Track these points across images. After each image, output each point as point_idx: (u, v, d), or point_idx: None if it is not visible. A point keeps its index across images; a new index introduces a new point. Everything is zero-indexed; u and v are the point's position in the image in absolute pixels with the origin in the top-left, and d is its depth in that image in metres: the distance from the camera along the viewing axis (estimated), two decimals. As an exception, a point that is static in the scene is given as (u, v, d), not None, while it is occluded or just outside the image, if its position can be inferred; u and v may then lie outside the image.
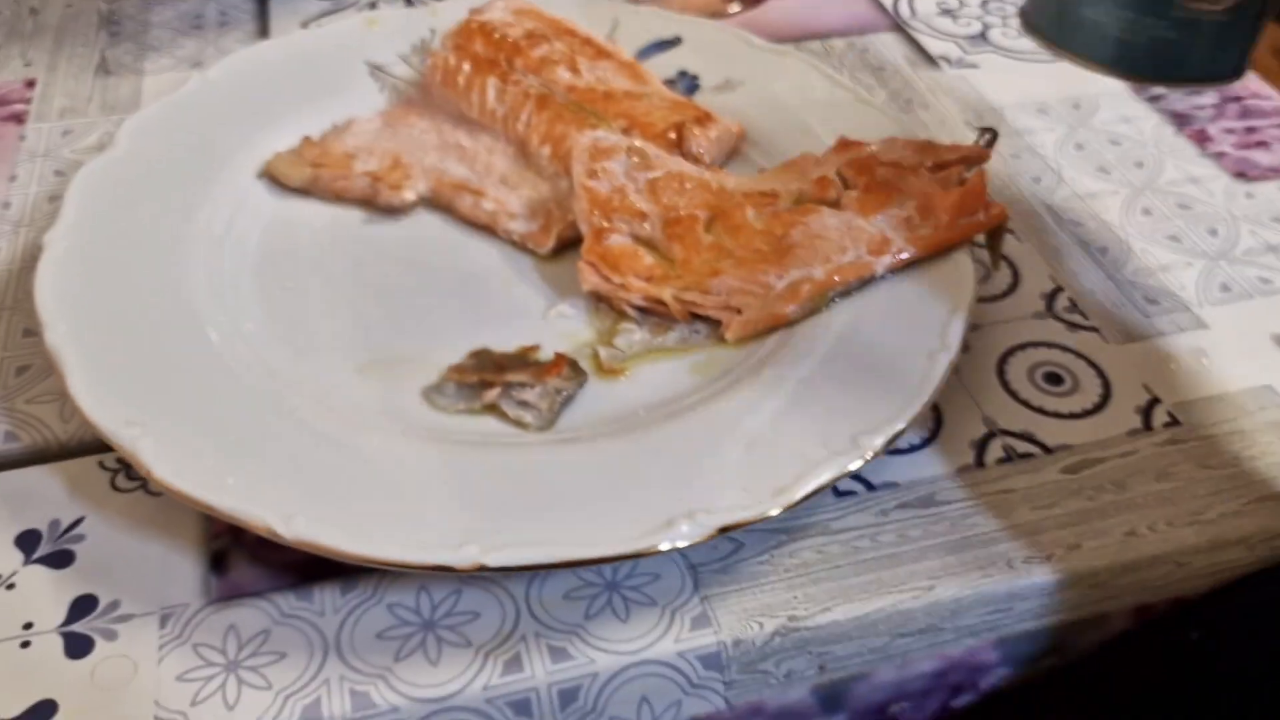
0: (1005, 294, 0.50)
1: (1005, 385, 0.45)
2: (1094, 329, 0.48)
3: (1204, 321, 0.49)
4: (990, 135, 0.53)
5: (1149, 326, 0.48)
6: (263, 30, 0.66)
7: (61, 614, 0.36)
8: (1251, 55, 0.48)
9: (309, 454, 0.37)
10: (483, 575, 0.36)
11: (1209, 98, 0.63)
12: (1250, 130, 0.61)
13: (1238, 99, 0.63)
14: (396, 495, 0.36)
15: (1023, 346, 0.47)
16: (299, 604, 0.36)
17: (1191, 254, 0.52)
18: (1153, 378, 0.46)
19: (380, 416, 0.40)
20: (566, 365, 0.42)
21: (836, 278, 0.44)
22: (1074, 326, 0.48)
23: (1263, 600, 0.38)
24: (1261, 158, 0.59)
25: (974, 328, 0.48)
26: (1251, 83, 0.64)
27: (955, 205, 0.46)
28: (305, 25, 0.66)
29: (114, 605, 0.36)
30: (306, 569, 0.37)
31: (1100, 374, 0.46)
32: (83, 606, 0.36)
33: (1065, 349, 0.47)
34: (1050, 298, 0.50)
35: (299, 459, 0.37)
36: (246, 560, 0.38)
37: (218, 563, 0.37)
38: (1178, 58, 0.47)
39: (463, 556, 0.34)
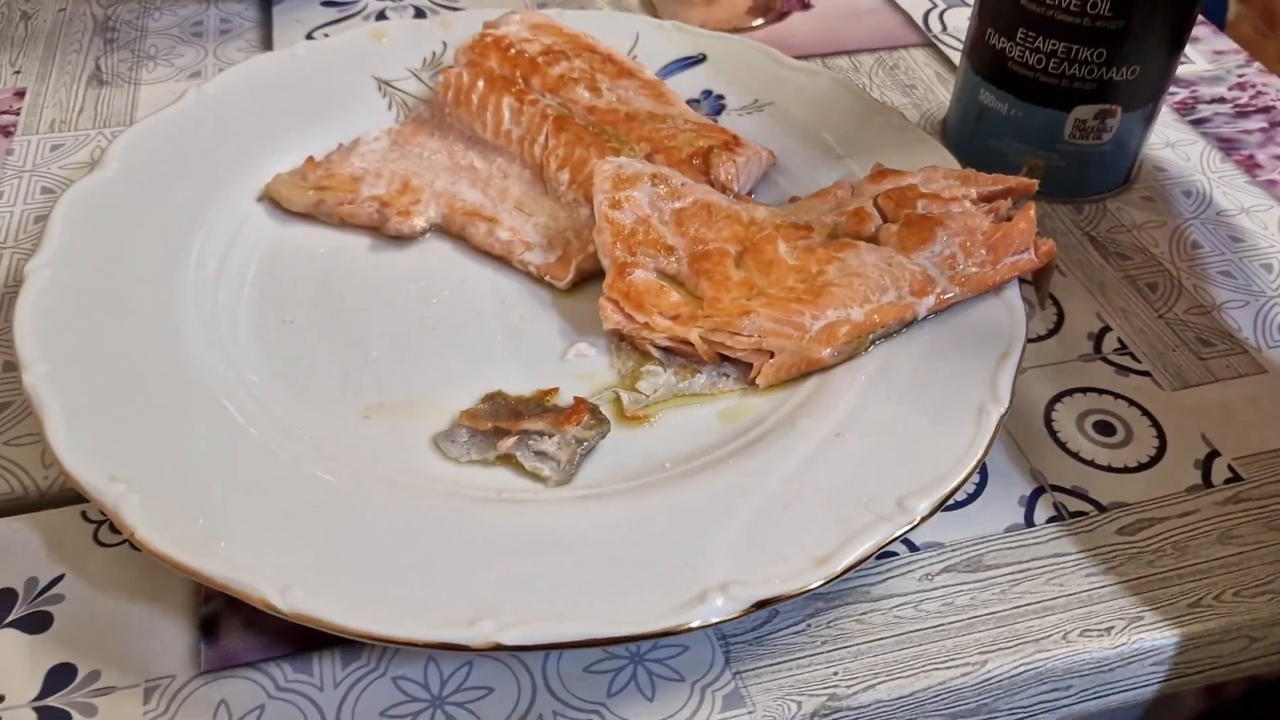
0: (1050, 333, 0.47)
1: (1054, 435, 0.42)
2: (1146, 373, 0.45)
3: (1263, 366, 0.46)
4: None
5: (1204, 371, 0.45)
6: (266, 39, 0.63)
7: (36, 686, 0.33)
8: (1136, 169, 0.55)
9: (308, 514, 0.34)
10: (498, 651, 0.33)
11: (1256, 121, 0.60)
12: (1302, 158, 0.58)
13: (1287, 124, 0.60)
14: (404, 562, 0.33)
15: (1070, 392, 0.44)
16: (296, 676, 0.33)
17: (1246, 291, 0.49)
18: (1211, 428, 0.43)
19: (387, 469, 0.37)
20: (587, 412, 0.39)
21: (876, 319, 0.41)
22: (1125, 370, 0.45)
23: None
24: (1314, 187, 0.56)
25: (1019, 371, 0.45)
26: (1301, 107, 0.61)
27: (1003, 242, 0.44)
28: (310, 35, 0.63)
29: (94, 676, 0.33)
30: (305, 636, 0.34)
31: (1154, 423, 0.43)
32: (60, 677, 0.33)
33: (1117, 395, 0.44)
34: (1098, 338, 0.47)
35: (297, 521, 0.34)
36: (240, 626, 0.35)
37: (209, 628, 0.34)
38: (1070, 181, 0.53)
39: (477, 634, 0.31)
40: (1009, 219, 0.45)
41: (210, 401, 0.38)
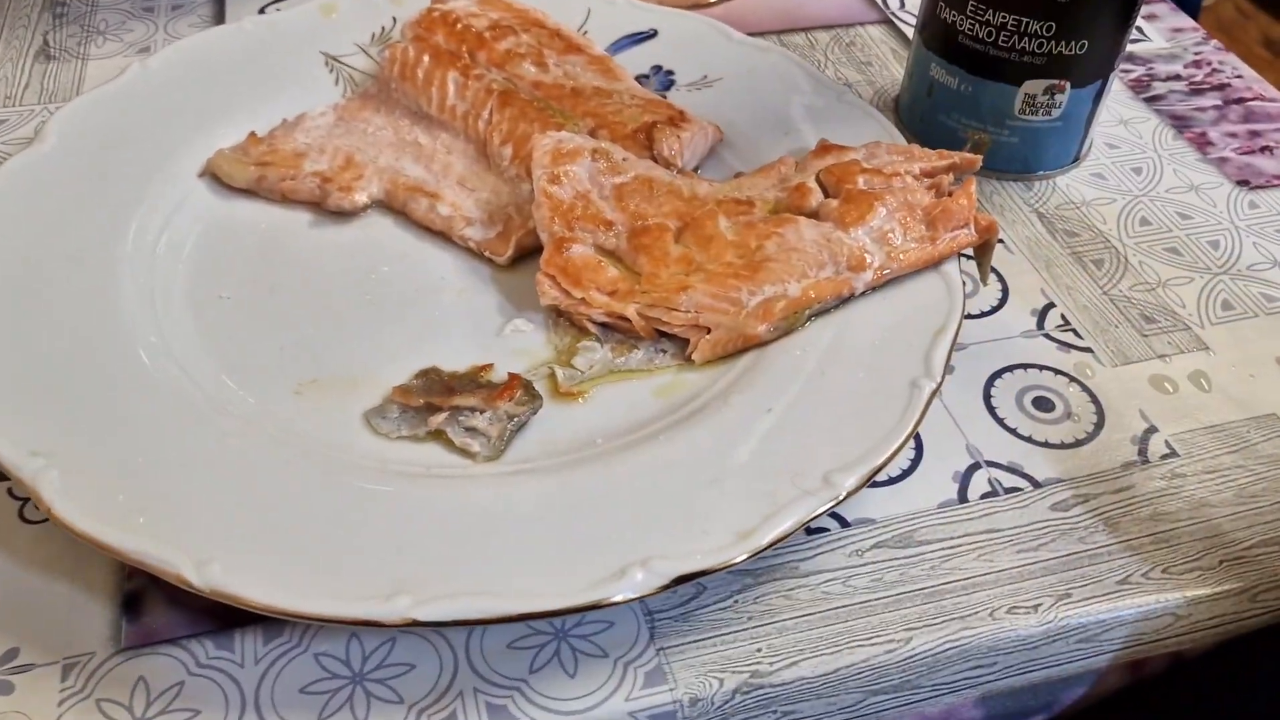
0: (994, 310, 0.47)
1: (992, 411, 0.42)
2: (1088, 349, 0.45)
3: (1205, 343, 0.46)
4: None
5: (1146, 348, 0.45)
6: (218, 14, 0.63)
7: (-46, 663, 0.33)
8: (1088, 144, 0.55)
9: (232, 490, 0.34)
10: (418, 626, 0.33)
11: (1210, 99, 0.60)
12: (1254, 134, 0.57)
13: (1241, 100, 0.60)
14: (325, 538, 0.33)
15: (1011, 368, 0.44)
16: (217, 653, 0.33)
17: (1192, 268, 0.49)
18: (1150, 404, 0.43)
19: (315, 445, 0.37)
20: (520, 388, 0.39)
21: (812, 295, 0.41)
22: (1066, 346, 0.45)
23: (1264, 663, 0.36)
24: (1266, 164, 0.56)
25: (960, 347, 0.45)
26: (1255, 84, 0.61)
27: (942, 217, 0.43)
28: (263, 10, 0.63)
29: (12, 654, 0.33)
30: (228, 614, 0.34)
31: (1094, 399, 0.43)
32: (-22, 655, 0.33)
33: (1057, 371, 0.44)
34: (1041, 315, 0.47)
35: (220, 496, 0.34)
36: (164, 603, 0.34)
37: (131, 606, 0.34)
38: (1021, 157, 0.53)
39: (393, 609, 0.30)
40: (951, 195, 0.45)
41: (138, 377, 0.38)
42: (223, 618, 0.34)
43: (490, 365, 0.41)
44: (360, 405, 0.39)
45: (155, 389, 0.38)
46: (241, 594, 0.30)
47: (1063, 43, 0.49)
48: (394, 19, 0.56)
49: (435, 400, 0.39)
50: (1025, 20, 0.48)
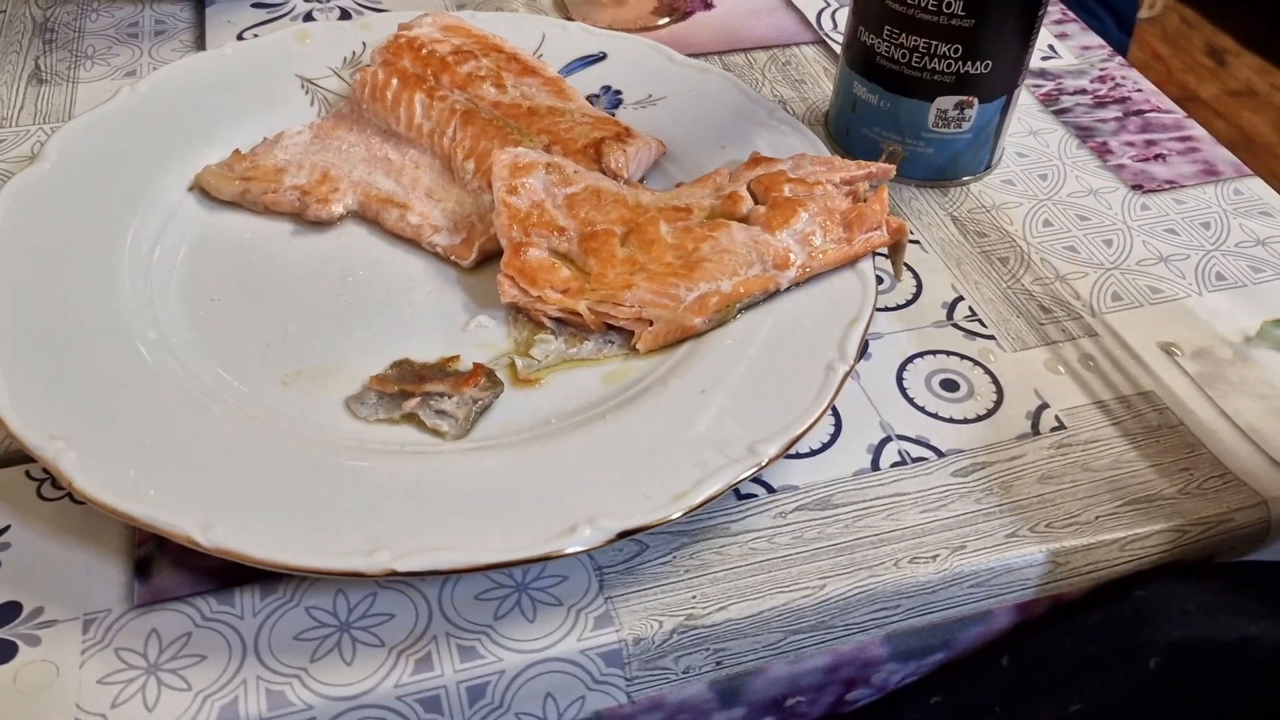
0: (909, 303, 0.52)
1: (904, 392, 0.48)
2: (991, 337, 0.51)
3: (1094, 330, 0.51)
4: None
5: (1042, 335, 0.51)
6: (199, 39, 0.67)
7: (-14, 621, 0.37)
8: (999, 153, 0.61)
9: (230, 465, 0.39)
10: (396, 579, 0.38)
11: (1112, 111, 0.66)
12: (1150, 143, 0.63)
13: (1140, 112, 0.66)
14: (313, 503, 0.38)
15: (922, 354, 0.50)
16: (220, 608, 0.38)
17: (1087, 264, 0.55)
18: (1044, 384, 0.49)
19: (301, 426, 0.42)
20: (484, 375, 0.44)
21: (742, 290, 0.47)
22: (972, 335, 0.51)
23: (1130, 603, 0.41)
24: (1159, 170, 0.61)
25: (876, 336, 0.50)
26: (1154, 96, 0.67)
27: (858, 220, 0.49)
28: (241, 35, 0.67)
29: (38, 611, 0.38)
30: (228, 574, 0.39)
31: (994, 380, 0.49)
32: (7, 613, 0.37)
33: (963, 357, 0.50)
34: (951, 307, 0.52)
35: (220, 470, 0.39)
36: (170, 566, 0.39)
37: (142, 569, 0.39)
38: (937, 166, 0.59)
39: (374, 562, 0.35)
40: (866, 201, 0.50)
41: (141, 370, 0.43)
42: (223, 578, 0.39)
43: (457, 356, 0.46)
44: (341, 393, 0.44)
45: (156, 380, 0.42)
46: (243, 550, 0.35)
47: (969, 63, 0.54)
48: (363, 44, 0.61)
49: (408, 387, 0.44)
50: (935, 43, 0.54)
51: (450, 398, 0.43)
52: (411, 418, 0.43)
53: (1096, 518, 0.43)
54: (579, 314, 0.47)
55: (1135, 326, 0.52)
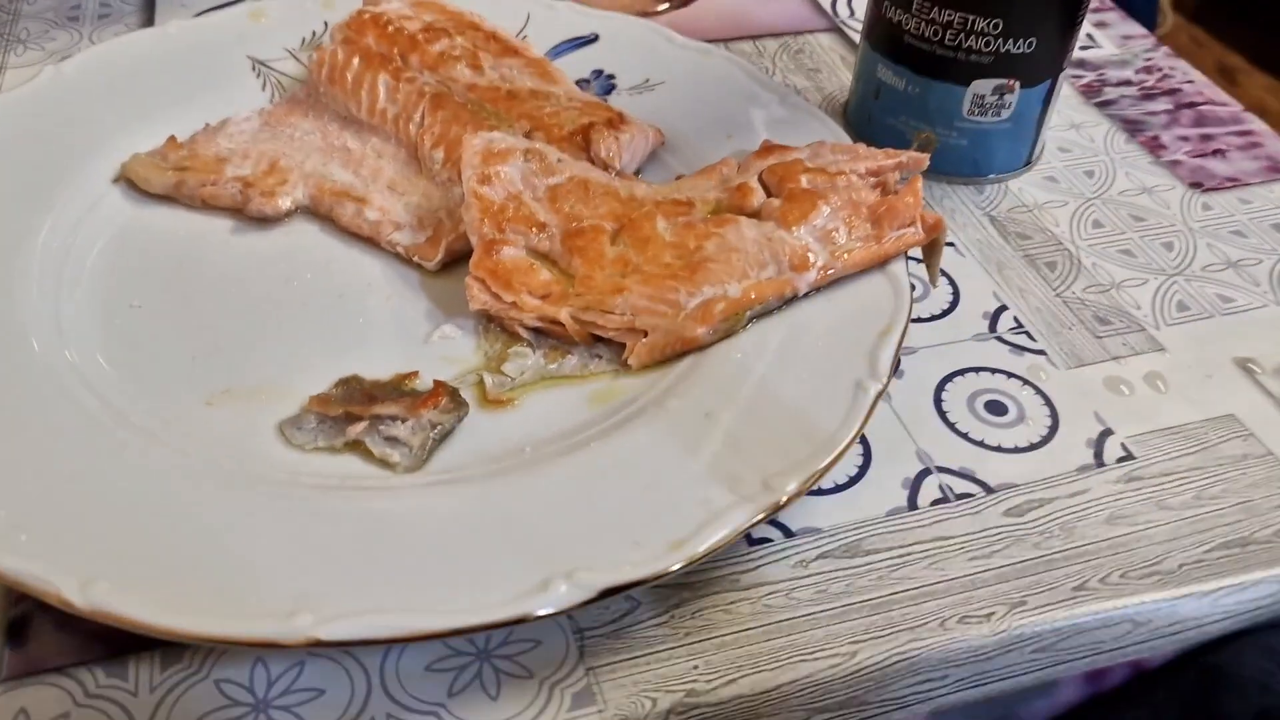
0: (944, 313, 0.45)
1: (943, 416, 0.41)
2: (1041, 352, 0.44)
3: (1160, 344, 0.44)
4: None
5: (1100, 350, 0.44)
6: (147, 24, 0.61)
7: None
8: (1039, 147, 0.53)
9: (127, 505, 0.32)
10: (325, 648, 0.30)
11: (1162, 104, 0.59)
12: (1206, 138, 0.57)
13: (1192, 105, 0.59)
14: (226, 554, 0.31)
15: (962, 372, 0.42)
16: (108, 681, 0.31)
17: (1146, 269, 0.48)
18: (1105, 406, 0.41)
19: (222, 457, 0.35)
20: (445, 395, 0.37)
21: (753, 295, 0.40)
22: (1019, 349, 0.44)
23: (1227, 671, 0.34)
24: (1219, 167, 0.55)
25: (909, 351, 0.43)
26: (1206, 89, 0.60)
27: (888, 215, 0.42)
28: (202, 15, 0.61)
29: (-118, 687, 0.30)
30: (123, 639, 0.31)
31: (1048, 402, 0.41)
32: None
33: (1010, 375, 0.42)
34: (994, 318, 0.45)
35: (114, 511, 0.32)
36: (51, 628, 0.32)
37: (15, 633, 0.32)
38: (971, 159, 0.52)
39: (292, 628, 0.28)
40: (897, 193, 0.43)
41: (29, 384, 0.35)
42: (116, 643, 0.32)
43: (415, 373, 0.39)
44: (276, 416, 0.37)
45: (46, 399, 0.35)
46: (126, 614, 0.28)
47: (1010, 41, 0.48)
48: (325, 23, 0.54)
49: (355, 409, 0.37)
50: (972, 18, 0.47)
51: (404, 422, 0.36)
52: (357, 445, 0.36)
53: (1180, 566, 0.36)
54: (560, 323, 0.40)
55: (1207, 340, 0.45)
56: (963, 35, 0.48)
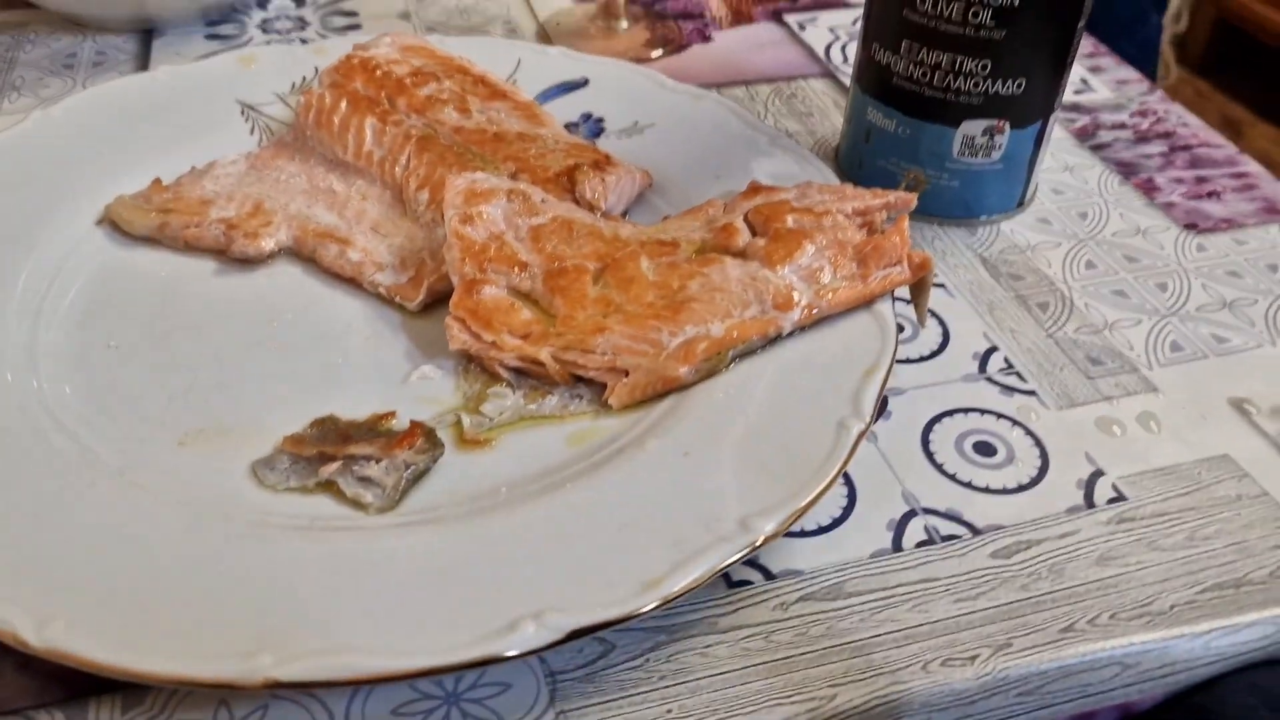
0: (934, 354, 0.45)
1: (930, 456, 0.40)
2: (1031, 392, 0.43)
3: (1153, 384, 0.44)
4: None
5: (1093, 390, 0.43)
6: (141, 71, 0.61)
7: None
8: (1032, 189, 0.53)
9: (87, 542, 0.31)
10: (287, 690, 0.29)
11: (1156, 146, 0.59)
12: (1201, 180, 0.56)
13: (1187, 147, 0.59)
14: (186, 594, 0.30)
15: (951, 413, 0.42)
16: (67, 725, 0.30)
17: (1139, 310, 0.47)
18: (1096, 447, 0.41)
19: (190, 496, 0.34)
20: (421, 436, 0.37)
21: (736, 334, 0.39)
22: (1009, 390, 0.43)
23: (1219, 714, 0.33)
24: (1213, 208, 0.54)
25: (898, 392, 0.42)
26: (1201, 131, 0.60)
27: (874, 255, 0.41)
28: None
29: None
30: (83, 679, 0.31)
31: (1038, 443, 0.41)
32: None
33: (999, 415, 0.42)
34: (984, 358, 0.44)
35: (74, 548, 0.31)
36: (12, 669, 0.31)
37: (-27, 674, 0.31)
38: (963, 200, 0.51)
39: (251, 669, 0.27)
40: (884, 233, 0.43)
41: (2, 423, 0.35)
42: (77, 685, 0.31)
43: (392, 413, 0.38)
44: (249, 456, 0.37)
45: (16, 434, 0.35)
46: (81, 653, 0.27)
47: (999, 81, 0.47)
48: (315, 68, 0.54)
49: (329, 449, 0.36)
50: (960, 59, 0.47)
51: (378, 462, 0.35)
52: (329, 486, 0.35)
53: (1172, 607, 0.35)
54: (541, 363, 0.39)
55: (1202, 380, 0.44)
56: (951, 76, 0.48)
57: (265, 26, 0.66)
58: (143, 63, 0.62)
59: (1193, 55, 2.88)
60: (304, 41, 0.64)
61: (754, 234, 0.43)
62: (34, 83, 0.59)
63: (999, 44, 0.46)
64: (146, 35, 0.64)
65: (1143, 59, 1.61)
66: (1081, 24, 0.48)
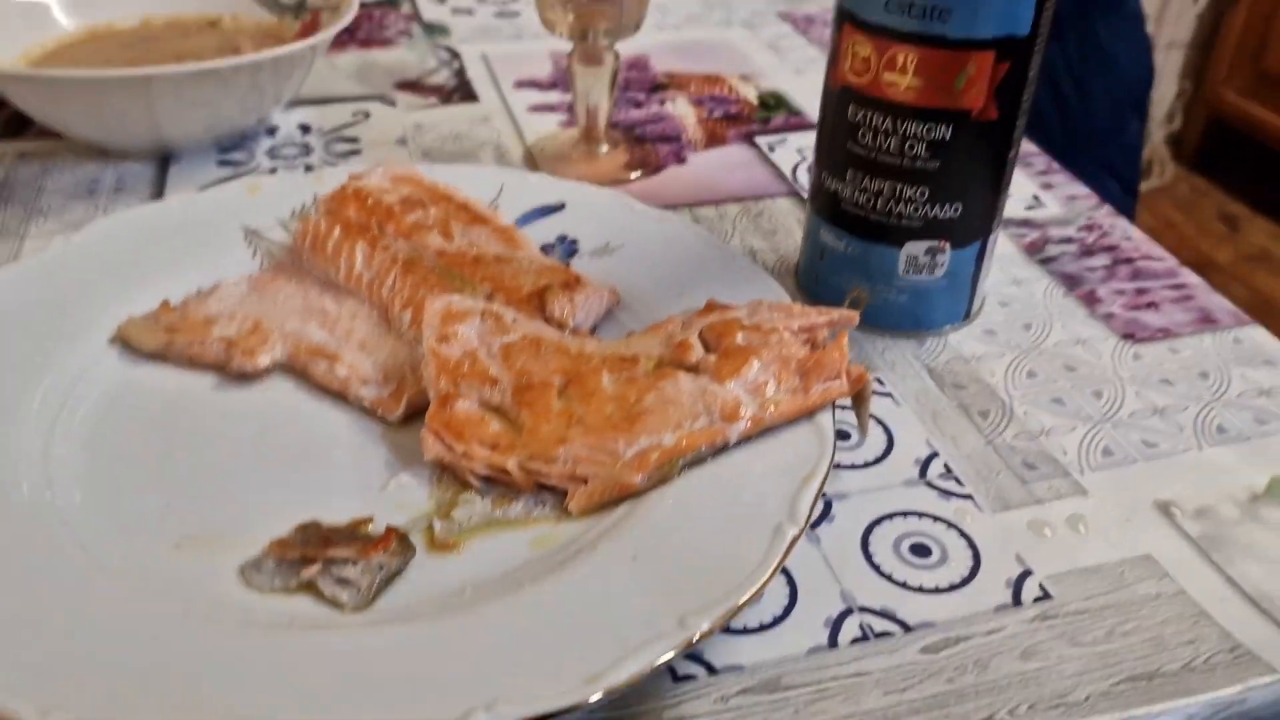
0: (878, 460, 0.48)
1: (869, 558, 0.43)
2: (968, 496, 0.46)
3: (1083, 488, 0.47)
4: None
5: (1025, 494, 0.46)
6: (158, 196, 0.66)
7: None
8: (979, 302, 0.57)
9: (89, 640, 0.35)
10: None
11: (1100, 259, 0.63)
12: (1141, 291, 0.60)
13: (1129, 260, 0.63)
14: (176, 686, 0.33)
15: (891, 516, 0.45)
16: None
17: (1075, 417, 0.51)
18: (1026, 548, 0.44)
19: (182, 597, 0.38)
20: (395, 540, 0.40)
21: (685, 444, 0.43)
22: (947, 494, 0.46)
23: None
24: (1151, 319, 0.58)
25: (842, 497, 0.46)
26: (1143, 244, 0.64)
27: (815, 369, 0.45)
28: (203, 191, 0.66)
29: None
30: (78, 769, 0.34)
31: (971, 544, 0.44)
32: None
33: (936, 518, 0.45)
34: (925, 464, 0.48)
35: (76, 645, 0.34)
36: (14, 759, 0.34)
37: (-20, 763, 0.34)
38: (912, 314, 0.55)
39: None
40: (825, 349, 0.46)
41: (13, 526, 0.39)
42: (72, 773, 0.34)
43: (370, 519, 0.42)
44: (238, 559, 0.40)
45: (29, 538, 0.39)
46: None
47: (938, 206, 0.52)
48: (314, 195, 0.59)
49: (311, 552, 0.40)
50: (900, 186, 0.51)
51: (355, 564, 0.39)
52: (310, 587, 0.39)
53: (1088, 697, 0.37)
54: (508, 471, 0.43)
55: (1130, 484, 0.47)
56: (893, 202, 0.52)
57: (273, 152, 0.71)
58: (159, 187, 0.67)
59: (1187, 153, 2.95)
60: (309, 168, 0.69)
61: (707, 350, 0.47)
62: (59, 208, 0.64)
63: (935, 173, 0.51)
64: (164, 161, 0.69)
65: (1125, 163, 1.67)
66: (1013, 154, 0.52)
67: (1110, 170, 1.60)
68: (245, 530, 0.41)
